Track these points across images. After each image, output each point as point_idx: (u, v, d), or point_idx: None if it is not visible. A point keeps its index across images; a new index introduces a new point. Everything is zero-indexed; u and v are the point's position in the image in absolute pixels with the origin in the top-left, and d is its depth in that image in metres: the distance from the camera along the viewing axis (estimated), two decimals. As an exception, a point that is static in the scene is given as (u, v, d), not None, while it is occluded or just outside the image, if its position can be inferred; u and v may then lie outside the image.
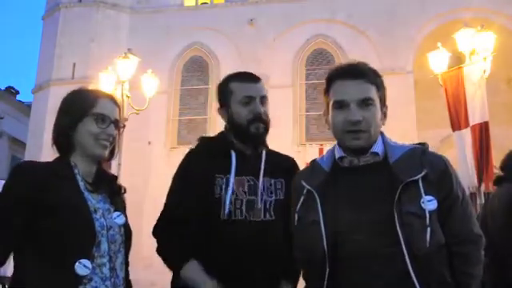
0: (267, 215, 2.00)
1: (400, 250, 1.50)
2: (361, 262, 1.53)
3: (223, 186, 2.00)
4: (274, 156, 2.16)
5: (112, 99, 1.85)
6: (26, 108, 22.01)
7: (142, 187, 12.49)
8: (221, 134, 2.18)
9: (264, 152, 2.12)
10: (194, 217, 1.98)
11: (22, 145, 16.32)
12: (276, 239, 1.96)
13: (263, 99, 2.11)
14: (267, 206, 2.01)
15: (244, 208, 1.98)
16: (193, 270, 1.90)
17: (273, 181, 2.06)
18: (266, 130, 2.11)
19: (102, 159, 1.81)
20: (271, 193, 2.04)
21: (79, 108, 1.76)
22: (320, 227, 1.58)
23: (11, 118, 23.49)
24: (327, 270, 1.56)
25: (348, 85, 1.66)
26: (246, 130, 2.06)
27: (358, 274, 1.53)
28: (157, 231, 2.07)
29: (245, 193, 2.01)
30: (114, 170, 9.24)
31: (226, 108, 2.13)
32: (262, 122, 2.07)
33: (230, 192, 1.98)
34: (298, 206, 1.70)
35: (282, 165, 2.15)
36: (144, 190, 12.40)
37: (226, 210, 1.96)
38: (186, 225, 1.97)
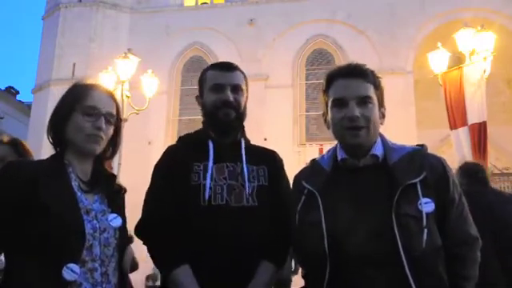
0: (250, 200, 1.97)
1: (397, 252, 1.50)
2: (359, 263, 1.53)
3: (201, 173, 1.98)
4: (254, 146, 2.16)
5: (106, 92, 1.74)
6: (26, 108, 22.03)
7: (141, 187, 12.41)
8: (199, 129, 2.19)
9: (243, 140, 2.11)
10: (175, 208, 1.94)
11: (22, 145, 16.30)
12: (260, 225, 1.93)
13: (234, 87, 2.08)
14: (250, 191, 1.98)
15: (225, 193, 1.95)
16: (184, 276, 1.85)
17: (255, 167, 2.05)
18: (239, 118, 2.08)
19: (95, 155, 1.70)
20: (254, 178, 2.02)
21: (69, 102, 1.67)
22: (322, 228, 1.59)
23: (11, 118, 23.50)
24: (327, 270, 1.56)
25: (347, 83, 1.69)
26: (215, 117, 2.05)
27: (357, 275, 1.54)
28: (142, 232, 2.01)
29: (225, 178, 1.98)
30: (114, 170, 9.22)
31: (201, 96, 2.15)
32: (231, 108, 2.04)
33: (208, 177, 1.96)
34: (299, 207, 1.70)
35: (264, 154, 2.15)
36: (144, 190, 12.35)
37: (207, 195, 1.92)
38: (171, 224, 1.92)
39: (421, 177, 1.59)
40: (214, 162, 2.01)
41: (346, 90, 1.67)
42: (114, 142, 1.76)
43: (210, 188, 1.94)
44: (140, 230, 2.01)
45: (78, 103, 1.66)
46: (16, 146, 2.78)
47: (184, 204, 1.95)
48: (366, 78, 1.70)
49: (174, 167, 2.02)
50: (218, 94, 2.06)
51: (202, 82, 2.15)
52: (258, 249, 1.91)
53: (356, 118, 1.63)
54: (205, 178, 1.96)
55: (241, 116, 2.09)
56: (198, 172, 1.98)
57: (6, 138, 2.88)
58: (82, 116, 1.65)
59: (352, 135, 1.65)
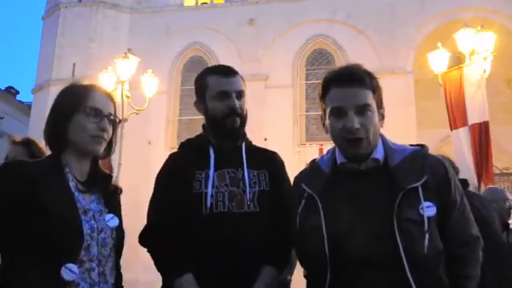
0: (251, 206, 1.97)
1: (398, 255, 1.50)
2: (359, 265, 1.53)
3: (202, 181, 1.98)
4: (255, 149, 2.16)
5: (105, 93, 1.74)
6: (26, 108, 22.02)
7: (141, 187, 12.43)
8: (199, 134, 2.18)
9: (244, 145, 2.11)
10: (177, 217, 1.95)
11: (22, 145, 16.29)
12: (261, 230, 1.93)
13: (239, 94, 2.08)
14: (251, 197, 1.99)
15: (226, 200, 1.96)
16: (187, 286, 1.85)
17: (256, 172, 2.05)
18: (243, 124, 2.09)
19: (97, 155, 1.71)
20: (255, 183, 2.02)
21: (70, 103, 1.66)
22: (322, 231, 1.58)
23: (11, 118, 23.49)
24: (328, 274, 1.56)
25: (344, 92, 1.64)
26: (222, 124, 2.05)
27: (357, 276, 1.53)
28: (146, 240, 2.02)
29: (226, 185, 1.99)
30: (114, 170, 9.21)
31: (201, 102, 2.13)
32: (237, 116, 2.05)
33: (210, 185, 1.96)
34: (300, 210, 1.69)
35: (264, 157, 2.14)
36: (144, 190, 12.35)
37: (208, 203, 1.93)
38: (173, 232, 1.93)
39: (422, 180, 1.57)
40: (216, 169, 2.01)
41: (344, 100, 1.62)
42: (110, 142, 1.76)
43: (212, 196, 1.95)
44: (143, 238, 2.02)
45: (80, 104, 1.66)
46: (29, 145, 2.77)
47: (186, 212, 1.95)
48: (363, 84, 1.64)
49: (176, 175, 2.02)
50: (224, 101, 2.05)
51: (202, 87, 2.13)
52: (260, 253, 1.91)
53: (356, 130, 1.59)
54: (206, 187, 1.97)
55: (244, 122, 2.10)
56: (200, 180, 1.99)
57: (18, 139, 2.88)
58: (86, 117, 1.65)
59: (352, 146, 1.62)
